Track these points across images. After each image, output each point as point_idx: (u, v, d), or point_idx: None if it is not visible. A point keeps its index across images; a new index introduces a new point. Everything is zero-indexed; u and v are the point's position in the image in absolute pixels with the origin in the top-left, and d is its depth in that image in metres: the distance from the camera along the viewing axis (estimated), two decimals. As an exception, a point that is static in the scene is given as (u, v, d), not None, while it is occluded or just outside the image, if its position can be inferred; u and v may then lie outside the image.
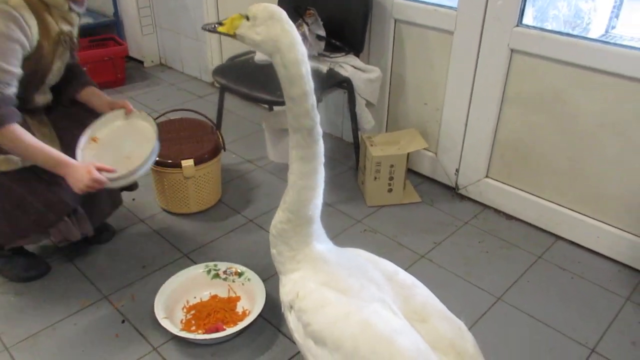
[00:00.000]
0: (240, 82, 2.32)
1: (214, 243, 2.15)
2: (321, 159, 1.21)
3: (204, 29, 1.27)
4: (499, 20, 2.02)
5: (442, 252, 2.10)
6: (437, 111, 2.39)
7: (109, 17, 3.76)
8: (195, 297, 1.83)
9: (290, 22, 1.10)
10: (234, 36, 1.17)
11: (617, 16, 2.31)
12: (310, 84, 1.12)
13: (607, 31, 2.35)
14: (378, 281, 1.20)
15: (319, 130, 1.18)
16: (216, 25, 1.20)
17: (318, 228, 1.30)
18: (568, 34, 1.91)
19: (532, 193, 2.21)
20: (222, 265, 1.89)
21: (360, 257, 1.31)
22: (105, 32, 3.78)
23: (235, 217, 2.30)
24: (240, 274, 1.87)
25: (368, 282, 1.19)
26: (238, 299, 1.83)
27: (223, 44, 3.36)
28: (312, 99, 1.13)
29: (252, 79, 2.33)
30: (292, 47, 1.08)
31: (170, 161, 2.18)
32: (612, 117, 1.89)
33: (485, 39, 2.09)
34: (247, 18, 1.13)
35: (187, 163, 2.16)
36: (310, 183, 1.21)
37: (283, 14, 1.11)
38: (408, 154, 2.30)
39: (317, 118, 1.16)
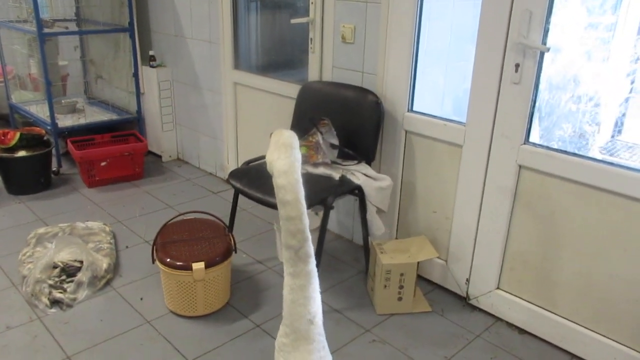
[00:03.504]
0: (253, 186, 2.38)
1: (219, 349, 2.11)
2: (311, 277, 1.22)
3: None
4: (507, 137, 2.09)
5: (453, 368, 2.04)
6: (446, 220, 2.42)
7: (132, 114, 3.94)
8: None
9: (293, 152, 1.17)
10: None
11: (622, 123, 2.39)
12: (297, 210, 1.17)
13: (613, 137, 2.42)
14: None
15: (308, 252, 1.20)
16: None
17: (322, 349, 1.28)
18: (574, 154, 1.97)
19: (545, 308, 2.17)
20: (227, 377, 1.84)
21: None
22: (127, 128, 3.95)
23: (243, 322, 2.27)
24: (244, 387, 1.82)
25: None
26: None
27: (239, 145, 3.48)
28: (298, 224, 1.17)
29: (265, 184, 2.39)
30: (281, 174, 1.15)
31: (180, 263, 2.19)
32: (621, 236, 1.90)
33: (493, 154, 2.16)
34: None
35: (198, 266, 2.17)
36: (298, 299, 1.22)
37: (288, 141, 1.18)
38: (418, 262, 2.29)
39: (305, 241, 1.19)
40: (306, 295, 1.22)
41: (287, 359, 1.24)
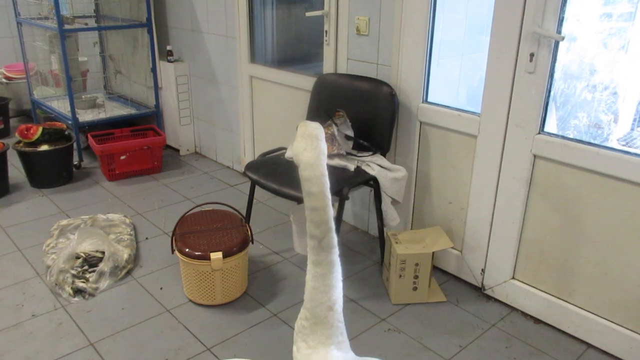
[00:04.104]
0: (270, 177, 2.42)
1: (237, 337, 2.15)
2: (333, 267, 1.24)
3: None
4: (521, 127, 2.10)
5: (468, 357, 2.05)
6: (462, 210, 2.43)
7: (151, 109, 4.01)
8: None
9: (318, 144, 1.18)
10: None
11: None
12: (322, 201, 1.19)
13: (632, 129, 2.39)
14: None
15: (331, 242, 1.22)
16: None
17: (339, 334, 1.30)
18: (589, 143, 1.96)
19: (560, 297, 2.17)
20: (245, 363, 1.89)
21: None
22: (146, 123, 4.02)
23: (260, 311, 2.31)
24: (262, 373, 1.86)
25: None
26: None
27: (256, 137, 3.52)
28: (322, 215, 1.20)
29: (281, 175, 2.43)
30: (307, 167, 1.17)
31: (198, 253, 2.24)
32: (637, 226, 1.89)
33: (508, 144, 2.16)
34: None
35: (216, 256, 2.22)
36: (321, 286, 1.24)
37: (314, 133, 1.20)
38: (433, 252, 2.31)
39: (329, 232, 1.21)
40: (327, 283, 1.24)
41: (305, 340, 1.28)
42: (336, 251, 1.25)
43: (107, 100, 4.27)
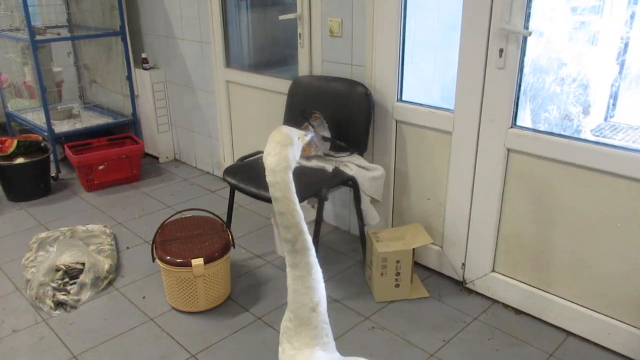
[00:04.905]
0: (248, 181, 2.42)
1: (222, 342, 2.15)
2: (311, 269, 1.25)
3: None
4: (494, 122, 2.13)
5: (452, 350, 2.08)
6: (440, 206, 2.46)
7: (128, 117, 3.98)
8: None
9: (281, 149, 1.19)
10: None
11: (614, 104, 2.41)
12: (286, 206, 1.20)
13: (606, 119, 2.44)
14: None
15: (304, 245, 1.24)
16: None
17: (324, 335, 1.31)
18: (560, 135, 2.01)
19: (540, 288, 2.21)
20: (229, 368, 1.88)
21: None
22: (123, 131, 3.99)
23: (244, 315, 2.31)
24: (247, 377, 1.86)
25: None
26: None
27: (235, 142, 3.52)
28: (289, 219, 1.21)
29: (260, 179, 2.42)
30: (270, 172, 1.20)
31: (179, 260, 2.23)
32: (609, 214, 1.93)
33: (482, 139, 2.19)
34: None
35: (197, 262, 2.21)
36: (301, 288, 1.26)
37: (280, 139, 1.21)
38: (414, 249, 2.33)
39: (300, 235, 1.22)
40: (307, 285, 1.25)
41: (290, 342, 1.29)
42: (312, 253, 1.26)
43: (83, 110, 4.23)
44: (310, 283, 1.26)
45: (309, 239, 1.25)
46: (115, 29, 3.79)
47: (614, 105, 2.46)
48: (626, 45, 2.15)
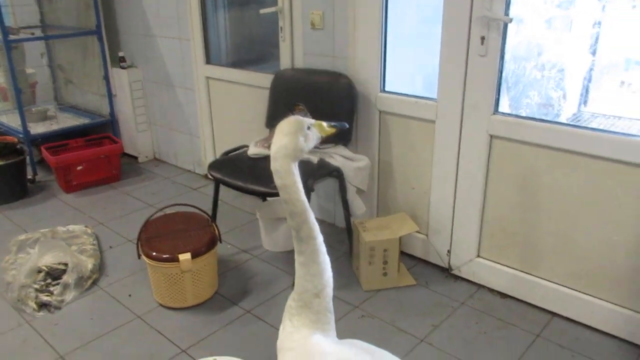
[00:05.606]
0: (234, 175, 2.41)
1: (212, 336, 2.13)
2: (316, 256, 1.26)
3: None
4: (477, 109, 2.16)
5: (441, 335, 2.10)
6: (425, 194, 2.48)
7: (105, 117, 3.92)
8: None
9: (285, 138, 1.20)
10: None
11: (586, 94, 2.48)
12: (288, 194, 1.20)
13: (579, 109, 2.51)
14: None
15: (309, 234, 1.24)
16: None
17: (326, 323, 1.31)
18: (541, 120, 2.05)
19: (524, 271, 2.25)
20: (222, 360, 1.87)
21: (356, 347, 1.32)
22: (101, 132, 3.92)
23: (233, 309, 2.30)
24: (240, 368, 1.85)
25: None
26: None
27: (216, 139, 3.50)
28: (292, 207, 1.22)
29: (245, 172, 2.42)
30: (272, 160, 1.20)
31: (166, 256, 2.21)
32: (590, 195, 1.98)
33: (465, 127, 2.22)
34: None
35: (185, 257, 2.19)
36: (306, 275, 1.26)
37: (282, 127, 1.22)
38: (400, 237, 2.35)
39: (304, 223, 1.23)
40: (311, 272, 1.27)
41: (290, 320, 1.30)
42: (318, 242, 1.26)
43: (58, 111, 4.14)
44: (315, 270, 1.27)
45: (315, 228, 1.25)
46: (91, 28, 3.73)
47: (587, 93, 2.52)
48: (597, 36, 2.21)
